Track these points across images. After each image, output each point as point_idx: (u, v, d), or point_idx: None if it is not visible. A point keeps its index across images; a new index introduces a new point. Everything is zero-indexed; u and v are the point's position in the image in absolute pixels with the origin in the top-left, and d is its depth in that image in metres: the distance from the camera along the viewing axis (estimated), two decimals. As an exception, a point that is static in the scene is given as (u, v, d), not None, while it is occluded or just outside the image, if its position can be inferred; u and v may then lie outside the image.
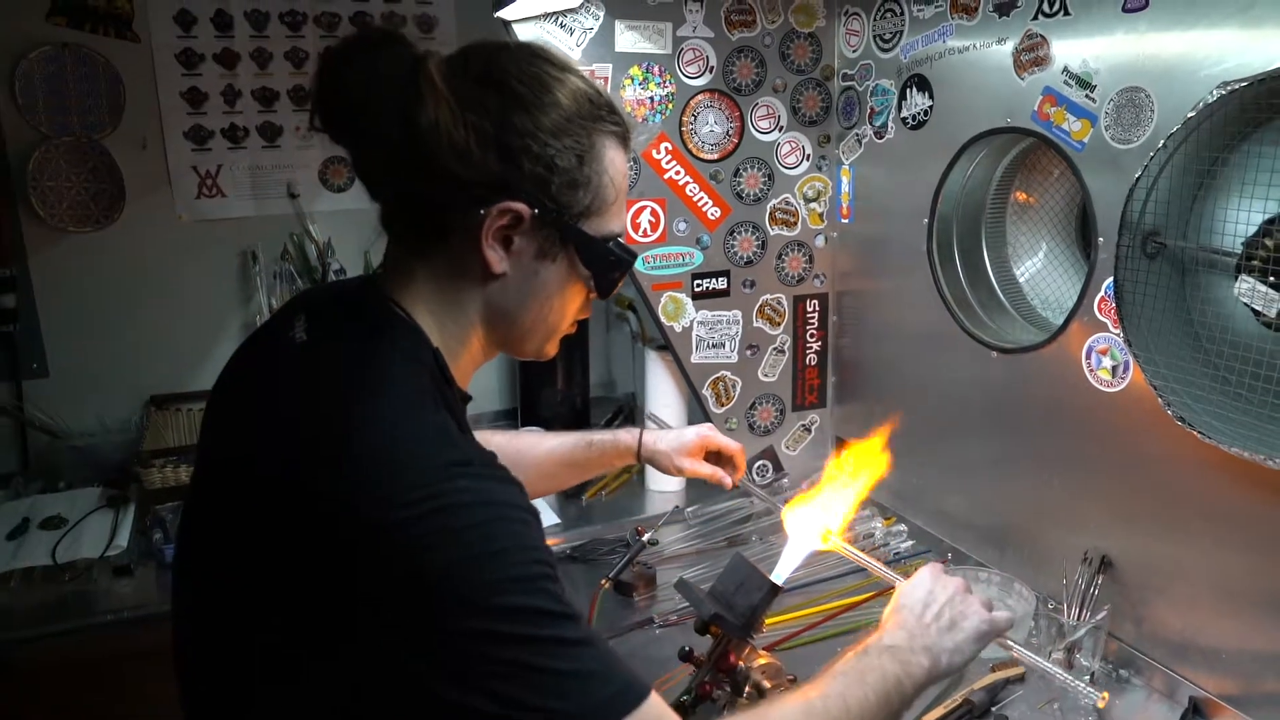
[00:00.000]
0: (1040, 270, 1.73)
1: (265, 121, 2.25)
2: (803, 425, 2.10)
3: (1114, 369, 1.41)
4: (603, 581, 1.65)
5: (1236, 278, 1.19)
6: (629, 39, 1.78)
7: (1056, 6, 1.43)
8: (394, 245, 0.95)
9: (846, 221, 1.98)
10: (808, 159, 1.97)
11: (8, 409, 2.16)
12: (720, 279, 1.96)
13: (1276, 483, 1.20)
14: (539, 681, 0.75)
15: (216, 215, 2.26)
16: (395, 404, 0.83)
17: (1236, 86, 1.12)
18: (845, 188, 1.97)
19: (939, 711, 1.33)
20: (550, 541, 1.88)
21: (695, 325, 1.95)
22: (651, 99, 1.82)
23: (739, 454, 1.54)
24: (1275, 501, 1.22)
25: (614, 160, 0.92)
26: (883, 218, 1.89)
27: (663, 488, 2.08)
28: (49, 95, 2.07)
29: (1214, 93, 1.15)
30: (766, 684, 1.18)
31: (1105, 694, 1.05)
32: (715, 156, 1.90)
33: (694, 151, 1.88)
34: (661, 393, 2.10)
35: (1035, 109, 1.48)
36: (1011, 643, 1.12)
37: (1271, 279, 1.14)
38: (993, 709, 1.35)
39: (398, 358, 0.88)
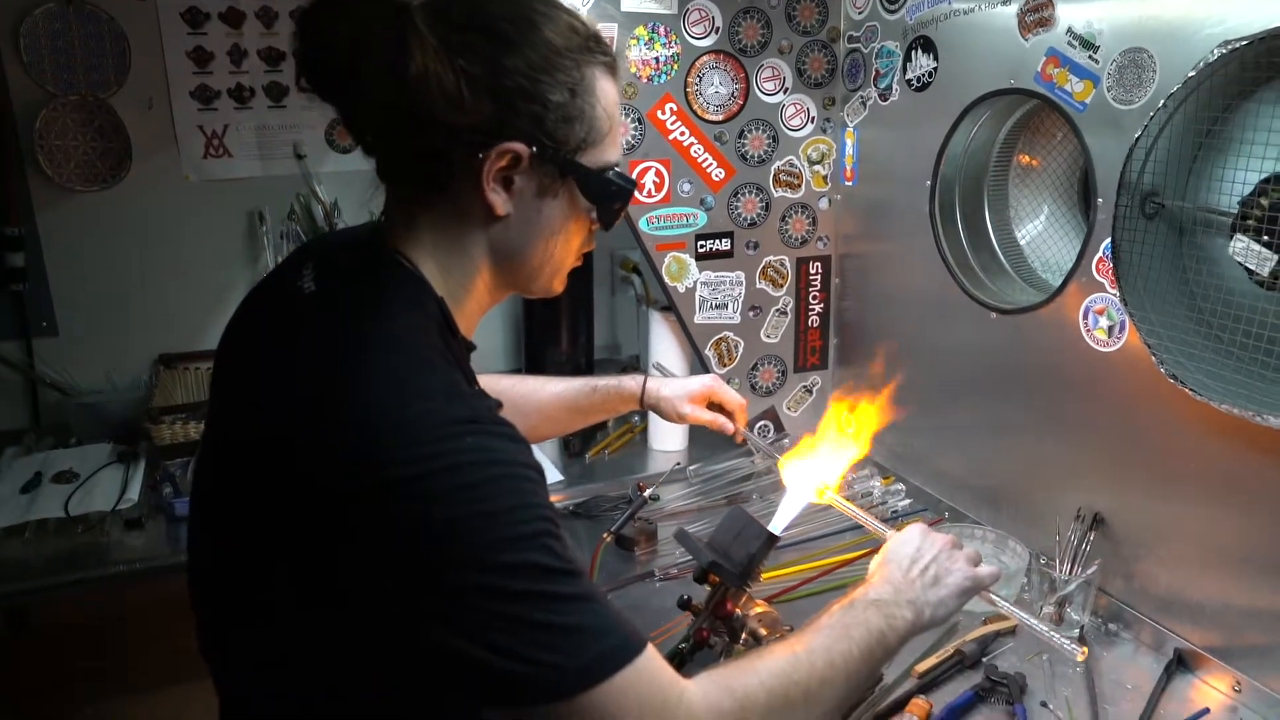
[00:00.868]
0: (1042, 233, 1.74)
1: (271, 81, 2.25)
2: (804, 386, 2.12)
3: (1110, 329, 1.43)
4: (604, 536, 1.68)
5: (1232, 237, 1.20)
6: (635, -1, 1.78)
7: (1061, -34, 1.43)
8: (393, 196, 0.95)
9: (850, 184, 1.99)
10: (812, 121, 1.97)
11: (18, 367, 2.19)
12: (724, 240, 1.97)
13: (1266, 441, 1.22)
14: (538, 636, 0.77)
15: (223, 175, 2.27)
16: (402, 359, 0.84)
17: (1237, 45, 1.13)
18: (849, 150, 1.97)
19: (931, 661, 1.37)
20: (554, 498, 1.91)
21: (698, 286, 1.97)
22: (657, 59, 1.82)
23: (740, 408, 1.56)
24: (1264, 460, 1.24)
25: (605, 91, 0.91)
26: (886, 180, 1.90)
27: (665, 447, 2.11)
28: (54, 54, 2.07)
29: (1215, 52, 1.15)
30: (763, 632, 1.21)
31: (1085, 649, 1.08)
32: (720, 118, 1.90)
33: (699, 113, 1.88)
34: (665, 353, 2.12)
35: (1039, 70, 1.49)
36: (996, 597, 1.15)
37: (1266, 238, 1.15)
38: (983, 660, 1.39)
39: (405, 310, 0.88)
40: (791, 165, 1.98)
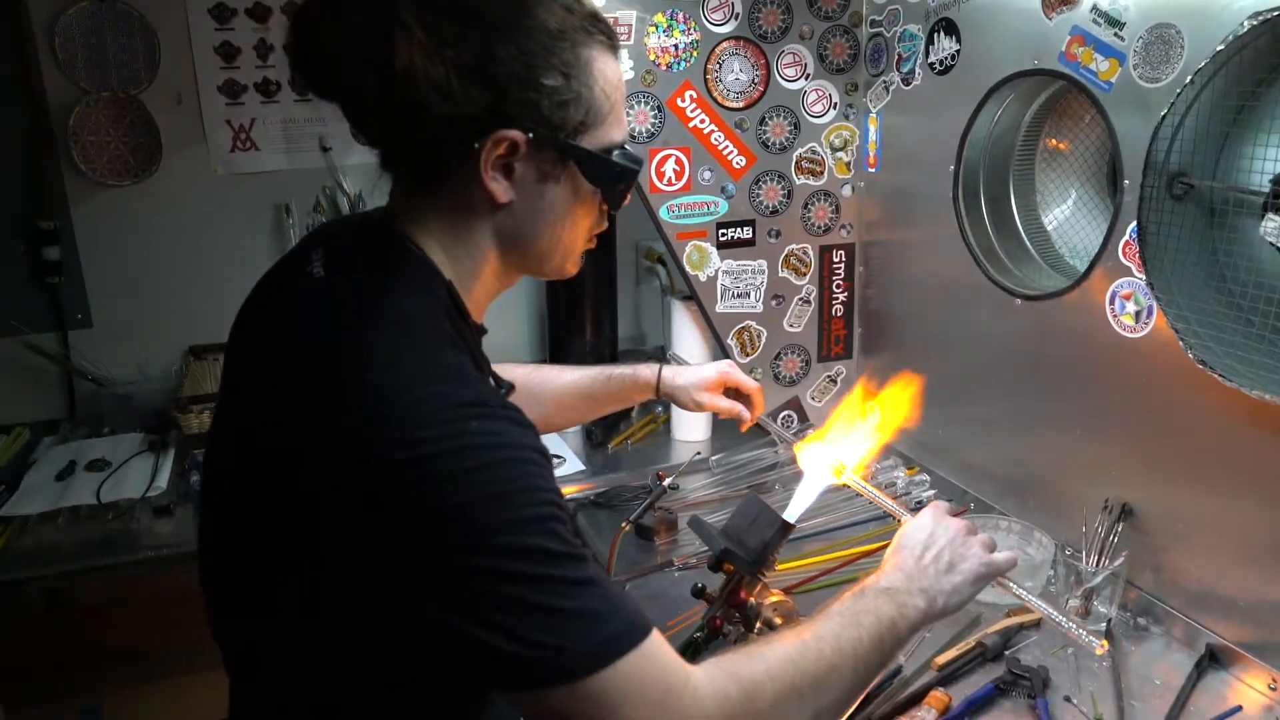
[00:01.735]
0: (1069, 218, 1.70)
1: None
2: (828, 376, 2.10)
3: (1137, 314, 1.39)
4: (623, 525, 1.67)
5: (1263, 217, 1.16)
6: (653, -15, 1.77)
7: (1087, -58, 1.40)
8: (398, 185, 0.95)
9: (873, 171, 1.96)
10: (834, 107, 1.95)
11: (55, 358, 2.24)
12: (745, 228, 1.95)
13: (1299, 427, 1.18)
14: (543, 619, 0.77)
15: (250, 169, 2.30)
16: (410, 342, 0.84)
17: (1269, 17, 1.09)
18: (873, 136, 1.94)
19: (952, 654, 1.34)
20: (576, 488, 1.92)
21: (720, 275, 1.96)
22: (676, 46, 1.81)
23: (757, 393, 1.53)
24: (1297, 447, 1.20)
25: (603, 70, 0.89)
26: (910, 167, 1.86)
27: (688, 437, 2.10)
28: (87, 51, 2.11)
29: (1244, 24, 1.12)
30: (778, 621, 1.20)
31: (1106, 642, 1.04)
32: (741, 105, 1.89)
33: (719, 100, 1.87)
34: (687, 342, 2.11)
35: (1063, 50, 1.45)
36: (1012, 584, 1.12)
37: (1298, 217, 1.11)
38: (1006, 653, 1.36)
39: (413, 294, 0.88)
40: (814, 152, 1.95)
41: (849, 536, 1.68)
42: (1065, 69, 1.46)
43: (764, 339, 2.02)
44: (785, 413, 2.08)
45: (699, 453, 1.98)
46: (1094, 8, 1.39)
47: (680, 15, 1.80)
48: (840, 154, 1.97)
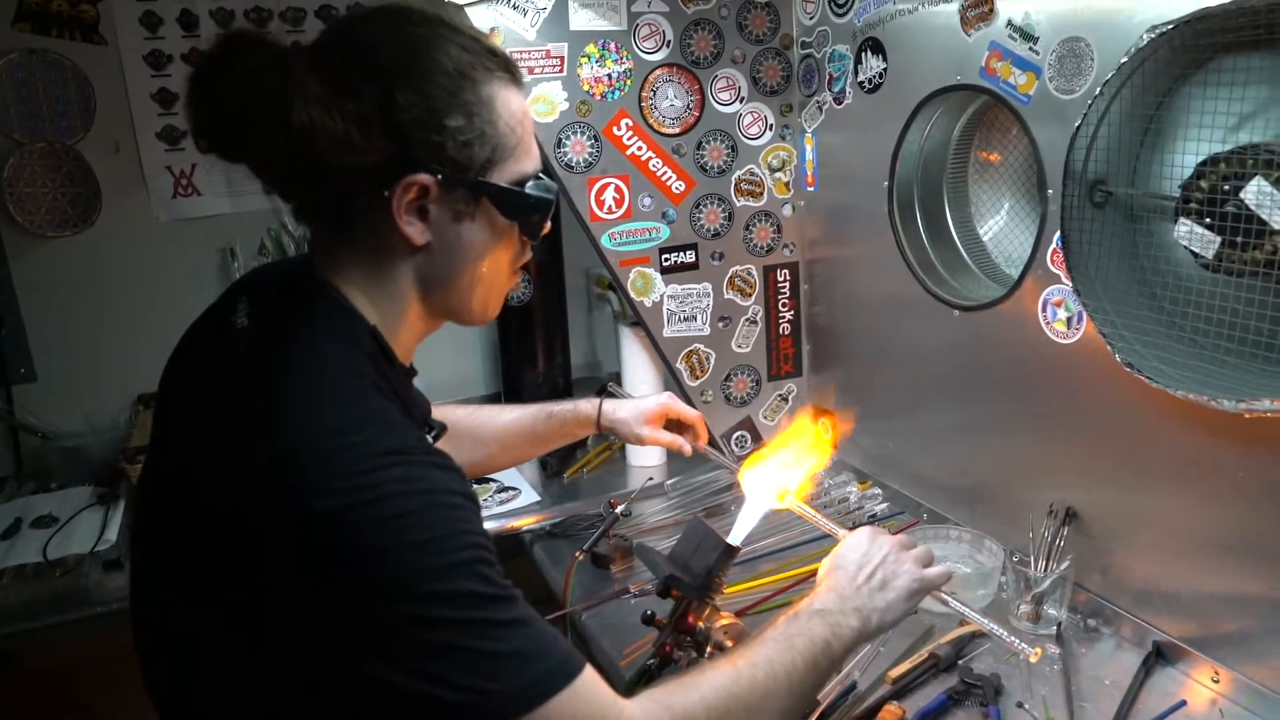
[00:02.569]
0: (1004, 228, 1.73)
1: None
2: (779, 395, 2.11)
3: (1068, 320, 1.42)
4: (577, 554, 1.67)
5: (1176, 221, 1.19)
6: (584, 17, 1.78)
7: (998, -40, 1.43)
8: (315, 234, 0.95)
9: (812, 189, 1.99)
10: (770, 129, 1.97)
11: (-2, 414, 2.20)
12: (688, 252, 1.96)
13: (1226, 426, 1.20)
14: (472, 662, 0.77)
15: (193, 214, 2.29)
16: (331, 392, 0.84)
17: (1164, 30, 1.12)
18: (809, 155, 1.97)
19: (905, 666, 1.35)
20: (532, 519, 1.91)
21: (665, 299, 1.96)
22: (609, 76, 1.83)
23: (699, 422, 1.55)
24: (1225, 445, 1.22)
25: (507, 103, 0.90)
26: (846, 184, 1.89)
27: (644, 462, 2.10)
28: (19, 102, 2.10)
29: (1143, 37, 1.15)
30: (729, 644, 1.20)
31: (1039, 649, 1.06)
32: (677, 130, 1.90)
33: (655, 126, 1.88)
34: (638, 368, 2.12)
35: (983, 65, 1.48)
36: (948, 597, 1.13)
37: (1208, 220, 1.14)
38: (959, 662, 1.37)
39: (333, 342, 0.88)
40: (752, 174, 1.98)
41: (801, 555, 1.69)
42: (986, 83, 1.49)
43: (713, 361, 2.03)
44: (738, 433, 2.09)
45: (651, 478, 1.98)
46: (1009, 23, 1.43)
47: (612, 45, 1.81)
48: (779, 174, 2.00)
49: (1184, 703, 1.26)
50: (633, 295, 1.94)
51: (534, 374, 2.34)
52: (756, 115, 1.95)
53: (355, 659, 0.77)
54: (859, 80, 1.77)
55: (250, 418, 0.82)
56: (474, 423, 1.48)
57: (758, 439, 2.10)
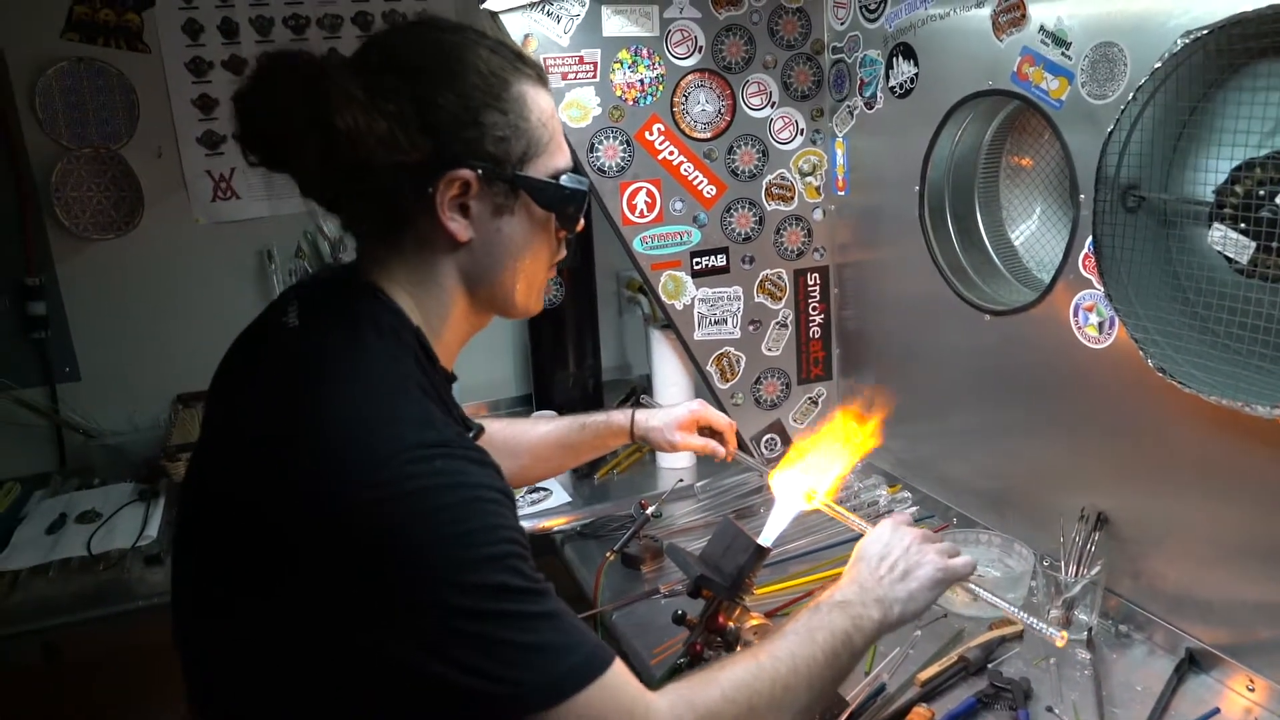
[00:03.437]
0: (1036, 232, 1.73)
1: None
2: (809, 398, 2.12)
3: (1100, 325, 1.42)
4: (608, 554, 1.69)
5: (1210, 226, 1.19)
6: (616, 23, 1.80)
7: (1031, -34, 1.43)
8: (361, 242, 0.98)
9: (842, 194, 1.99)
10: (801, 133, 1.98)
11: (44, 412, 2.26)
12: (719, 256, 1.98)
13: (1259, 432, 1.20)
14: (507, 654, 0.79)
15: (232, 217, 2.33)
16: (375, 387, 0.86)
17: (1199, 35, 1.12)
18: (840, 160, 1.98)
19: (934, 669, 1.35)
20: (563, 520, 1.94)
21: (696, 303, 1.98)
22: (641, 81, 1.85)
23: (730, 428, 1.57)
24: (1259, 450, 1.22)
25: (536, 101, 0.94)
26: (877, 188, 1.90)
27: (673, 464, 2.11)
28: (68, 109, 2.16)
29: (1178, 42, 1.15)
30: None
31: (1065, 633, 1.06)
32: (708, 135, 1.92)
33: (687, 131, 1.90)
34: (668, 371, 2.13)
35: (1015, 70, 1.48)
36: (974, 586, 1.14)
37: (1242, 226, 1.14)
38: (988, 666, 1.37)
39: (379, 341, 0.91)
40: (783, 178, 1.99)
41: (831, 558, 1.70)
42: (1018, 88, 1.49)
43: (743, 364, 2.04)
44: (768, 436, 2.10)
45: (681, 480, 1.99)
46: (1041, 28, 1.43)
47: (644, 51, 1.83)
48: (809, 179, 2.01)
49: (1218, 710, 1.26)
50: (664, 298, 1.95)
51: (564, 376, 2.37)
52: (787, 120, 1.96)
53: (390, 649, 0.78)
54: (890, 85, 1.78)
55: (295, 410, 0.85)
56: (508, 435, 1.51)
57: (787, 442, 2.11)
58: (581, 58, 1.79)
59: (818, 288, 2.07)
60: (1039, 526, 1.58)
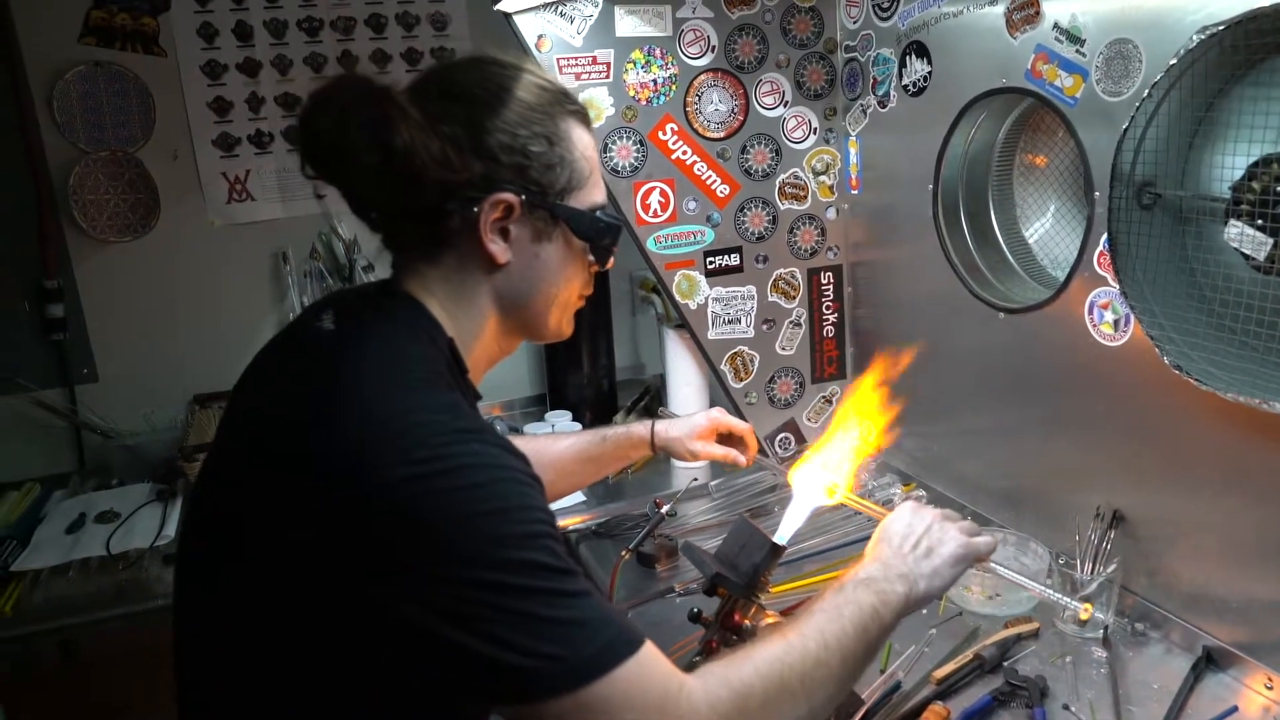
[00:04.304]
0: (1050, 230, 1.72)
1: (289, 126, 2.33)
2: (823, 397, 2.12)
3: (1115, 323, 1.41)
4: (623, 553, 1.69)
5: (1226, 223, 1.19)
6: (629, 24, 1.81)
7: (1045, -37, 1.43)
8: (399, 257, 1.02)
9: (856, 193, 1.99)
10: (814, 132, 1.98)
11: (63, 413, 2.28)
12: (733, 255, 1.98)
13: (1277, 428, 1.19)
14: (544, 629, 0.80)
15: (247, 219, 2.35)
16: (411, 377, 0.90)
17: (1216, 30, 1.12)
18: (854, 159, 1.98)
19: (950, 667, 1.35)
20: (579, 518, 1.94)
21: (710, 302, 1.98)
22: (654, 81, 1.85)
23: (748, 433, 1.59)
24: (1276, 447, 1.21)
25: (580, 138, 1.00)
26: (891, 187, 1.90)
27: (688, 464, 2.11)
28: (85, 113, 2.18)
29: (1194, 38, 1.15)
30: (774, 642, 1.22)
31: (1089, 605, 1.07)
32: (721, 135, 1.92)
33: (700, 131, 1.90)
34: (682, 370, 2.14)
35: (1029, 68, 1.48)
36: (995, 564, 1.14)
37: (1260, 222, 1.14)
38: (1004, 664, 1.37)
39: (414, 340, 0.95)
40: (796, 177, 1.99)
41: (846, 556, 1.70)
42: (1032, 86, 1.49)
43: (757, 363, 2.05)
44: (782, 435, 2.10)
45: (695, 479, 2.00)
46: (1055, 25, 1.43)
47: (657, 51, 1.84)
48: (822, 178, 2.01)
49: (1236, 708, 1.25)
50: (677, 298, 1.96)
51: (579, 375, 2.37)
52: (800, 119, 1.97)
53: (428, 625, 0.79)
54: (903, 84, 1.78)
55: (333, 396, 0.87)
56: (530, 451, 1.49)
57: (801, 441, 2.11)
58: (595, 58, 1.80)
59: (831, 287, 2.07)
60: (1054, 525, 1.58)
